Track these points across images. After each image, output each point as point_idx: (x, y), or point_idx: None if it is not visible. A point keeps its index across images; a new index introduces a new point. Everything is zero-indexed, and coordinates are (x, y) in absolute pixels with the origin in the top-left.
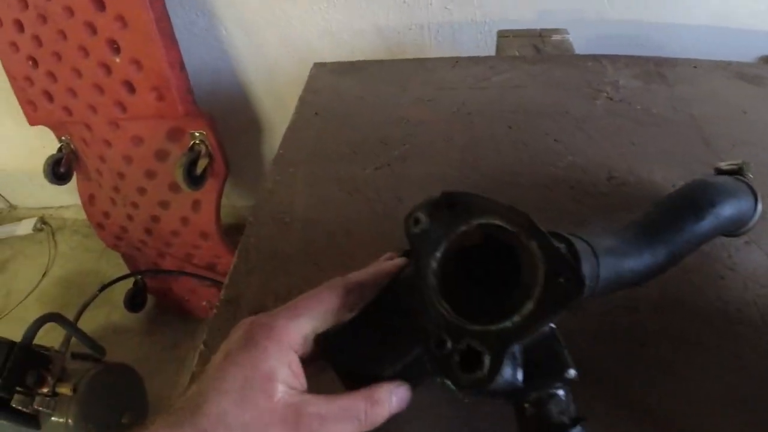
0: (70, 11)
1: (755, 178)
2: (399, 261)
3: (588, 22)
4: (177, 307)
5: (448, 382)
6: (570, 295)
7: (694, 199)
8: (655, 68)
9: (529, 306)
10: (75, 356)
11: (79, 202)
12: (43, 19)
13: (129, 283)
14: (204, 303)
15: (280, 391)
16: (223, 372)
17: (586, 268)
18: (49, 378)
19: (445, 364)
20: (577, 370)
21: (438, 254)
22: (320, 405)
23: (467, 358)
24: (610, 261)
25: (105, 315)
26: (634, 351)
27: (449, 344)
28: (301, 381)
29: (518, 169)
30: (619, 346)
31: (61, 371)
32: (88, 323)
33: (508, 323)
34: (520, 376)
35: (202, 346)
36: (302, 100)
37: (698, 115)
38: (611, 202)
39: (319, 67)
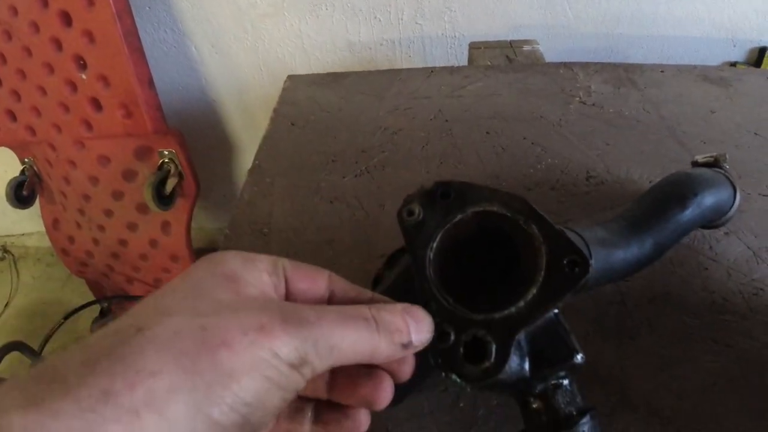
0: (35, 27)
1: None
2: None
3: (556, 35)
4: None
5: (454, 376)
6: (576, 277)
7: (677, 190)
8: (625, 74)
9: (534, 291)
10: None
11: (42, 229)
12: (8, 35)
13: (95, 312)
14: None
15: (251, 289)
16: (164, 286)
17: None
18: None
19: (449, 357)
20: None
21: (434, 244)
22: (315, 308)
23: (472, 350)
24: (600, 251)
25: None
26: (624, 345)
27: (452, 336)
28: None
29: (499, 172)
30: (610, 341)
31: None
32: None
33: (512, 310)
34: (526, 365)
35: None
36: (277, 112)
37: (669, 116)
38: (592, 201)
39: (294, 79)
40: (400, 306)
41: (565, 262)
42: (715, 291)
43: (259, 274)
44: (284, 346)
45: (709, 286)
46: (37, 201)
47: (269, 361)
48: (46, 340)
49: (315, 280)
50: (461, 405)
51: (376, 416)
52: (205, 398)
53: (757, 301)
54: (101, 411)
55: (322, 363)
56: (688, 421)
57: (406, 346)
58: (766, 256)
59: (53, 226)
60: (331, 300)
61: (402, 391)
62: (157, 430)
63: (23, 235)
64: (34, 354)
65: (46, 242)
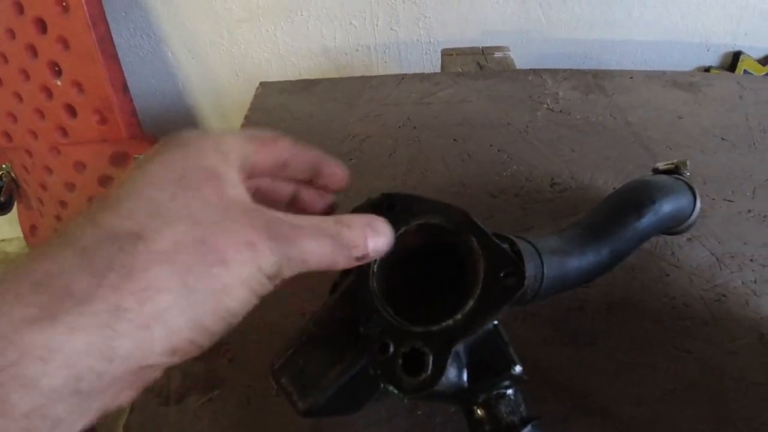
0: (11, 33)
1: (694, 178)
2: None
3: (529, 40)
4: None
5: (391, 387)
6: (512, 290)
7: (634, 197)
8: (594, 80)
9: (471, 303)
10: None
11: (21, 234)
12: None
13: None
14: None
15: (232, 190)
16: (140, 171)
17: (530, 266)
18: None
19: (388, 369)
20: (523, 366)
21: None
22: (287, 214)
23: (410, 361)
24: (554, 260)
25: None
26: (582, 351)
27: (392, 348)
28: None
29: (464, 180)
30: (568, 347)
31: None
32: None
33: (450, 322)
34: (465, 376)
35: None
36: (248, 119)
37: (635, 122)
38: (556, 208)
39: (266, 86)
40: (364, 220)
41: (502, 275)
42: (677, 297)
43: (235, 174)
44: (267, 262)
45: (671, 293)
46: (16, 207)
47: (255, 275)
48: None
49: (277, 159)
50: (419, 413)
51: (335, 423)
52: (202, 312)
53: (719, 306)
54: (116, 326)
55: (290, 273)
56: (646, 428)
57: (360, 258)
58: (730, 262)
59: (31, 232)
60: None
61: (359, 399)
62: (163, 340)
63: (3, 240)
64: None
65: (26, 247)
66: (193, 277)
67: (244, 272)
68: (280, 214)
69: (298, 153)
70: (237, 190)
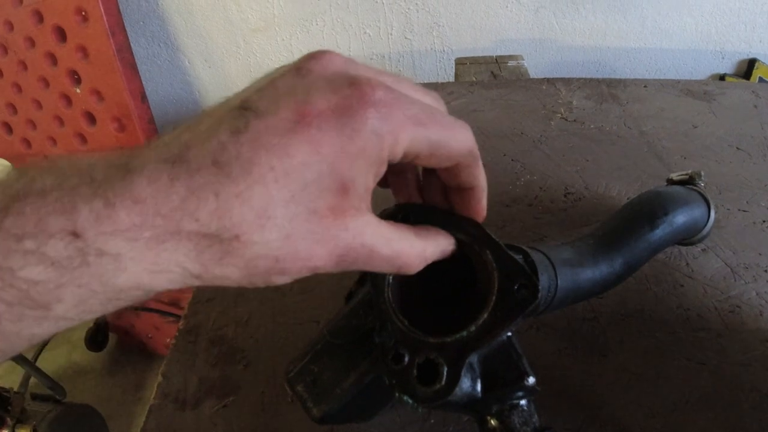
0: (31, 42)
1: (709, 188)
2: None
3: (543, 48)
4: (140, 346)
5: (406, 397)
6: (525, 302)
7: (648, 209)
8: (607, 89)
9: (485, 315)
10: (35, 397)
11: None
12: (4, 49)
13: (89, 321)
14: (168, 340)
15: (350, 208)
16: (293, 136)
17: (544, 278)
18: (9, 419)
19: (402, 379)
20: (536, 377)
21: None
22: (376, 238)
23: (425, 371)
24: (567, 271)
25: (65, 354)
26: (595, 362)
27: (407, 358)
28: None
29: None
30: (581, 358)
31: (20, 412)
32: (47, 363)
33: (464, 333)
34: (478, 387)
35: (160, 378)
36: None
37: (649, 132)
38: (569, 217)
39: None
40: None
41: (515, 287)
42: (691, 308)
43: (373, 181)
44: (323, 270)
45: (684, 303)
46: None
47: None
48: (40, 350)
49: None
50: (432, 422)
51: (349, 430)
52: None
53: (733, 318)
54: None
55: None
56: None
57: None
58: (744, 273)
59: None
60: None
61: (373, 408)
62: None
63: None
64: (27, 362)
65: None
66: (251, 282)
67: (298, 276)
68: (369, 237)
69: (464, 178)
70: (358, 201)
